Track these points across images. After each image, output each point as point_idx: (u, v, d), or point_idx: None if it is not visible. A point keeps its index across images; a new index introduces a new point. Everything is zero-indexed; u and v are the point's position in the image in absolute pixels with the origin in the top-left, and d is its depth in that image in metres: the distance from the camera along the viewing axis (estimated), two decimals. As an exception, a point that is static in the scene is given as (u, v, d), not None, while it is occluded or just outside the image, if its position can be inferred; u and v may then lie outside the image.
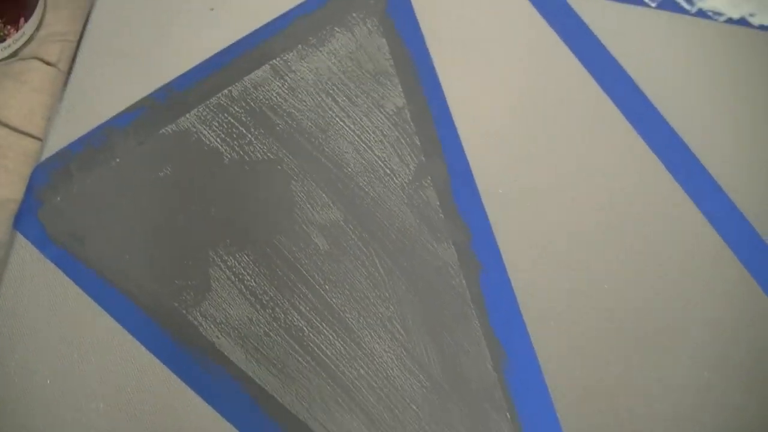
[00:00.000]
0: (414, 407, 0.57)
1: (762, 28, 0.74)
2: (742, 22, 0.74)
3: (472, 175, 0.63)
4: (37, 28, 0.65)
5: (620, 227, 0.64)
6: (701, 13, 0.74)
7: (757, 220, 0.65)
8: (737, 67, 0.71)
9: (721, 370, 0.60)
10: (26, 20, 0.63)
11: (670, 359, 0.60)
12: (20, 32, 0.63)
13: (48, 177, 0.59)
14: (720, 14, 0.75)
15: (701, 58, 0.71)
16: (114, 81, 0.63)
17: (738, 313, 0.62)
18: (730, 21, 0.74)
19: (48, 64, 0.64)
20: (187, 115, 0.62)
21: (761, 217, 0.65)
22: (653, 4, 0.75)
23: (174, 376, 0.55)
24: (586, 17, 0.71)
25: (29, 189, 0.59)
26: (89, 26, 0.65)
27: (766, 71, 0.72)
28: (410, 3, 0.69)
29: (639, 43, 0.70)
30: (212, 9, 0.67)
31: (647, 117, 0.67)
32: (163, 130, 0.62)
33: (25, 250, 0.58)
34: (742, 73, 0.71)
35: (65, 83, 0.63)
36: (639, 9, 0.72)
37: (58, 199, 0.59)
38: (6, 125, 0.62)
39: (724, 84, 0.70)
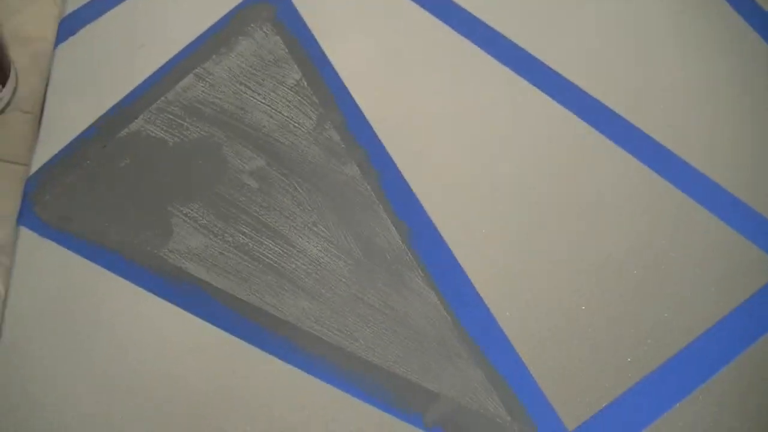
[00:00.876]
0: (344, 280, 0.72)
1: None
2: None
3: (362, 112, 0.81)
4: (14, 92, 0.84)
5: (502, 127, 0.81)
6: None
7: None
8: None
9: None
10: (4, 86, 0.82)
11: (566, 224, 0.77)
12: (0, 96, 0.82)
13: (37, 185, 0.77)
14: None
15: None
16: (75, 112, 0.82)
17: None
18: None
19: (26, 113, 0.83)
20: (137, 120, 0.81)
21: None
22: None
23: (157, 298, 0.72)
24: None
25: (24, 197, 0.77)
26: (51, 79, 0.84)
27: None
28: (295, 7, 0.88)
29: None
30: (143, 45, 0.86)
31: (487, 36, 0.86)
32: (120, 134, 0.80)
33: (29, 238, 0.75)
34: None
35: (40, 122, 0.81)
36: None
37: (47, 197, 0.76)
38: (4, 158, 0.80)
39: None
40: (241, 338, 0.70)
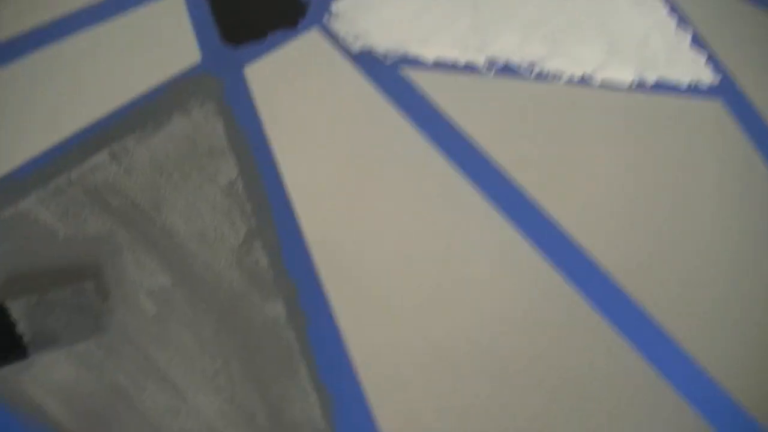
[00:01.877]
0: (239, 458, 0.57)
1: (604, 87, 0.79)
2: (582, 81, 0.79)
3: (302, 235, 0.66)
4: None
5: (450, 269, 0.66)
6: (541, 77, 0.79)
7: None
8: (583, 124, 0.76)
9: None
10: None
11: (508, 393, 0.61)
12: None
13: None
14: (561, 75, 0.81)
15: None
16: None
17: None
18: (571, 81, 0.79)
19: None
20: (28, 198, 0.65)
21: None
22: (491, 72, 0.79)
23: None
24: (426, 89, 0.76)
25: None
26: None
27: (609, 126, 0.76)
28: (247, 85, 0.73)
29: (475, 105, 0.75)
30: (56, 104, 0.70)
31: (482, 169, 0.71)
32: (4, 212, 0.64)
33: None
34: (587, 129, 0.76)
35: None
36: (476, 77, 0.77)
37: None
38: None
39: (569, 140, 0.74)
40: None
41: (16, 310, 0.54)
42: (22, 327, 0.54)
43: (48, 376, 0.58)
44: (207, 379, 0.59)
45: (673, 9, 0.91)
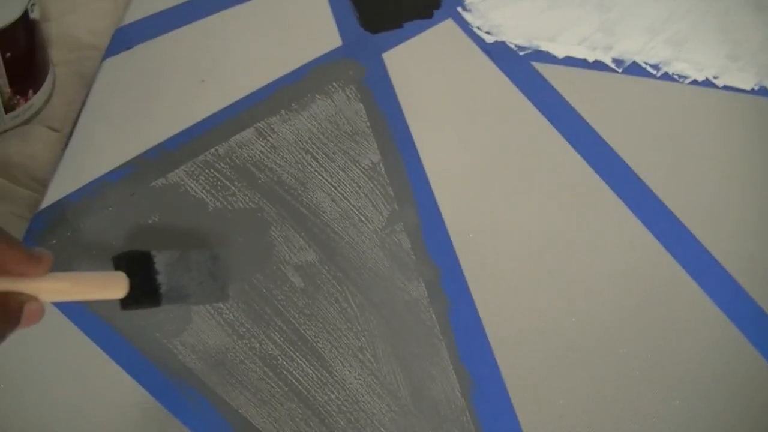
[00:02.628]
0: (383, 430, 0.59)
1: (726, 88, 0.80)
2: (706, 83, 0.80)
3: (443, 221, 0.68)
4: (47, 101, 0.71)
5: (585, 264, 0.67)
6: (667, 77, 0.80)
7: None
8: (706, 126, 0.77)
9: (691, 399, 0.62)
10: (35, 93, 0.69)
11: (640, 387, 0.63)
12: (29, 103, 0.69)
13: (46, 224, 0.64)
14: (685, 77, 0.81)
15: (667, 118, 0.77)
16: (110, 143, 0.69)
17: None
18: (695, 83, 0.80)
19: (54, 130, 0.70)
20: (176, 171, 0.67)
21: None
22: (619, 70, 0.81)
23: (151, 398, 0.58)
24: (556, 84, 0.77)
25: (28, 234, 0.63)
26: (90, 96, 0.71)
27: (731, 129, 0.77)
28: (387, 71, 0.75)
29: (603, 103, 0.76)
30: (203, 80, 0.73)
31: (612, 165, 0.72)
32: (154, 183, 0.67)
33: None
34: (710, 131, 0.77)
35: (66, 145, 0.68)
36: (604, 74, 0.78)
37: (54, 242, 0.63)
38: (14, 179, 0.67)
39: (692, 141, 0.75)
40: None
41: (160, 261, 0.56)
42: (162, 278, 0.56)
43: (200, 341, 0.61)
44: (352, 354, 0.61)
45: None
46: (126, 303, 0.53)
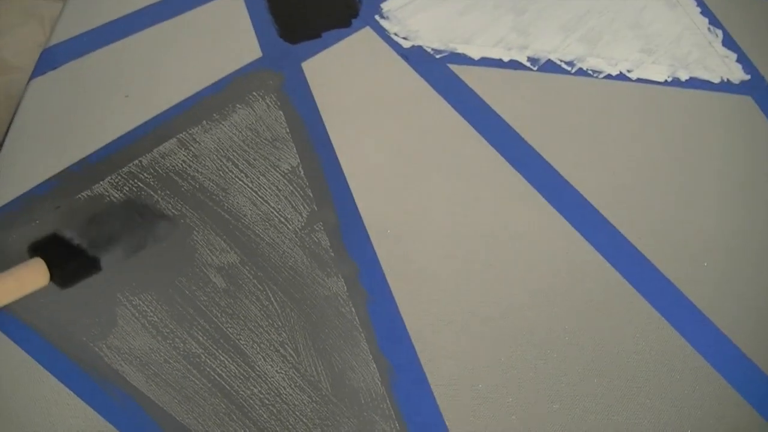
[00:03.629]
0: (304, 420, 0.61)
1: (640, 81, 0.83)
2: (620, 77, 0.83)
3: (361, 219, 0.70)
4: (-28, 123, 0.73)
5: (500, 253, 0.70)
6: (582, 72, 0.84)
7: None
8: (619, 117, 0.80)
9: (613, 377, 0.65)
10: (-39, 115, 0.71)
11: (559, 368, 0.65)
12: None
13: (-29, 240, 0.66)
14: (599, 72, 0.85)
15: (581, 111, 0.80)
16: (36, 159, 0.71)
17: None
18: (609, 77, 0.83)
19: (-21, 150, 0.72)
20: (101, 182, 0.69)
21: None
22: (534, 68, 0.84)
23: (81, 402, 0.60)
24: (473, 84, 0.80)
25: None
26: (17, 115, 0.73)
27: (645, 119, 0.80)
28: (306, 79, 0.78)
29: (519, 99, 0.79)
30: (127, 96, 0.75)
31: (527, 157, 0.75)
32: (79, 195, 0.69)
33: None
34: (624, 121, 0.80)
35: (-7, 164, 0.70)
36: (520, 72, 0.81)
37: (-21, 257, 0.65)
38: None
39: (606, 132, 0.78)
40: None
41: (70, 232, 0.58)
42: (79, 240, 0.57)
43: (126, 343, 0.63)
44: (273, 349, 0.63)
45: (705, 10, 0.95)
46: (61, 279, 0.55)
